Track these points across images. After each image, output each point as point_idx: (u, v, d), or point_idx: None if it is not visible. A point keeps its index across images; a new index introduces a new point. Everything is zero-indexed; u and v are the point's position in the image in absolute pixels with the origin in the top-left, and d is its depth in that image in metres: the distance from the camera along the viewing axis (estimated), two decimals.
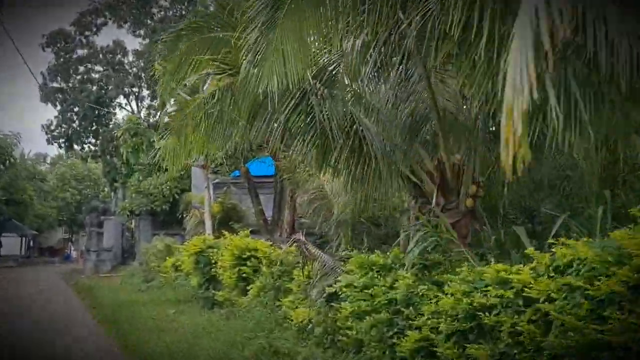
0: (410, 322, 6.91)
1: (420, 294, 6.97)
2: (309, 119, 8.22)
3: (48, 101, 37.30)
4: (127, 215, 31.50)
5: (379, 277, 7.54)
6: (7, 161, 41.37)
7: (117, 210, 33.45)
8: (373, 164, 8.54)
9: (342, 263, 8.85)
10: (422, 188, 9.00)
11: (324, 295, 8.50)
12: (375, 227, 14.87)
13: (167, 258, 19.11)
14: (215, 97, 7.71)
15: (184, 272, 16.51)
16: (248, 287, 12.00)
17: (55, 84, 37.77)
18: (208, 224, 18.40)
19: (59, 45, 37.09)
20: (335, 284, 8.35)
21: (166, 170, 28.15)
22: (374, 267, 7.68)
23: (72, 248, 63.52)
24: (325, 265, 8.67)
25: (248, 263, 12.14)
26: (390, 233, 14.84)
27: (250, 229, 14.90)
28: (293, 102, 8.06)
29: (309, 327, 9.09)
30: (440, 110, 8.30)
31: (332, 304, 8.47)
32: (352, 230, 14.26)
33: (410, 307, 6.97)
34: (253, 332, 9.97)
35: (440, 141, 8.68)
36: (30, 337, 11.82)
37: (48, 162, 64.15)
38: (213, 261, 14.04)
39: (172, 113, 8.67)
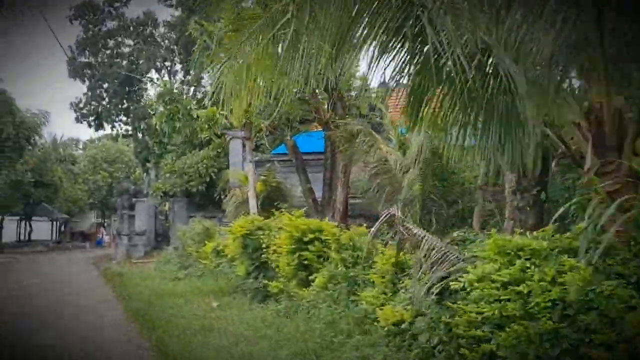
0: (592, 335, 4.62)
1: (606, 292, 4.67)
2: (416, 45, 5.93)
3: (77, 77, 35.60)
4: (161, 197, 29.71)
5: (531, 267, 5.22)
6: (33, 139, 40.07)
7: (149, 192, 31.72)
8: (502, 109, 6.23)
9: (458, 248, 6.58)
10: (566, 144, 6.64)
11: (435, 291, 6.23)
12: (447, 204, 12.79)
13: (207, 242, 17.08)
14: (290, 13, 5.45)
15: (227, 258, 14.44)
16: (311, 277, 9.81)
17: (83, 59, 36.06)
18: (252, 203, 16.26)
19: (87, 17, 35.32)
20: (451, 275, 6.09)
21: (207, 143, 26.45)
22: (521, 253, 5.37)
23: (104, 232, 62.58)
24: (434, 250, 6.39)
25: (311, 247, 9.95)
26: (462, 212, 12.74)
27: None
28: (394, 20, 5.79)
29: (406, 332, 6.83)
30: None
31: (444, 302, 6.21)
32: (422, 209, 12.15)
33: (592, 313, 4.68)
34: (326, 335, 7.77)
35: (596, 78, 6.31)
36: (45, 336, 9.86)
37: (80, 147, 63.12)
38: (264, 245, 11.90)
39: (228, 32, 6.42)
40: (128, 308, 12.66)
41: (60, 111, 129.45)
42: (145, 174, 35.29)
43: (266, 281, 11.45)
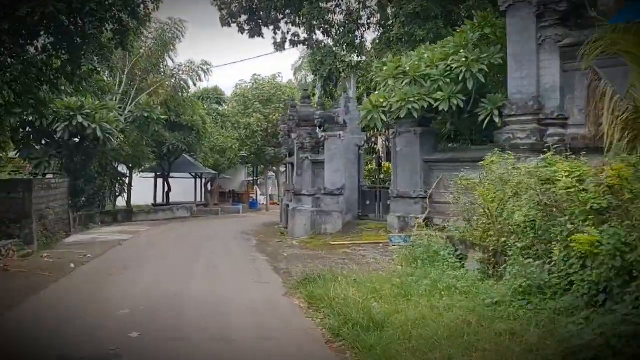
0: None
1: None
2: None
3: None
4: (374, 127, 16.98)
5: None
6: (165, 55, 29.45)
7: (349, 121, 19.21)
8: None
9: None
10: None
11: None
12: None
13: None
14: None
15: None
16: None
17: None
18: None
19: None
20: None
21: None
22: None
23: (259, 192, 52.49)
24: None
25: None
26: None
27: None
28: None
29: None
30: None
31: None
32: None
33: None
34: None
35: None
36: None
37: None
38: None
39: None
40: None
41: None
42: (343, 93, 22.69)
43: None
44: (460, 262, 10.20)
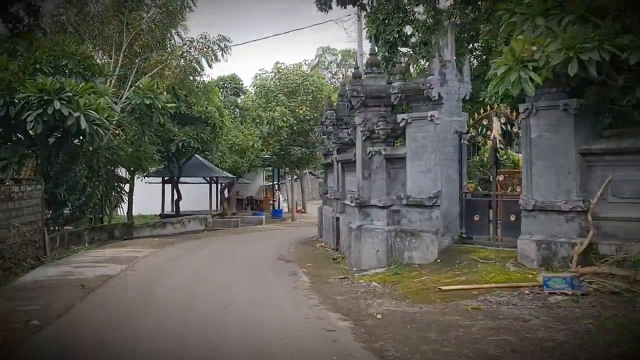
0: None
1: None
2: None
3: None
4: (512, 98, 10.57)
5: None
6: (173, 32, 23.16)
7: (454, 92, 12.81)
8: None
9: None
10: None
11: None
12: None
13: None
14: None
15: None
16: None
17: None
18: None
19: None
20: None
21: None
22: None
23: (281, 198, 46.12)
24: None
25: None
26: None
27: None
28: None
29: None
30: None
31: None
32: None
33: None
34: None
35: None
36: None
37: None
38: None
39: None
40: None
41: None
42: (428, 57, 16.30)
43: None
44: None
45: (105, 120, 18.57)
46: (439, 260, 12.64)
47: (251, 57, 77.34)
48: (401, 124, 13.64)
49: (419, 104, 13.38)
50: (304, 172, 46.80)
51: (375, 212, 14.17)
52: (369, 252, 13.92)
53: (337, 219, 18.65)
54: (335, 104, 19.94)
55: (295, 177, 44.97)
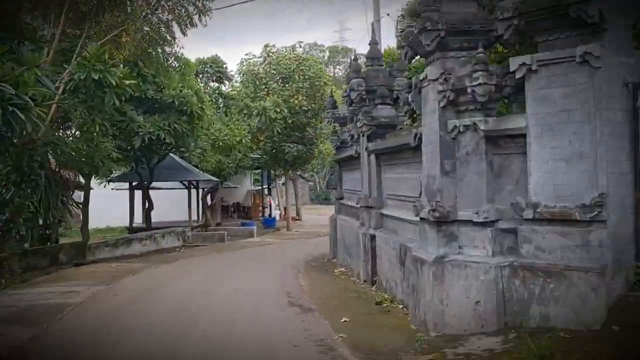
0: None
1: None
2: None
3: None
4: None
5: None
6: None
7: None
8: None
9: None
10: None
11: None
12: None
13: None
14: None
15: None
16: None
17: None
18: None
19: None
20: None
21: None
22: None
23: (273, 205, 39.81)
24: None
25: None
26: None
27: None
28: None
29: None
30: None
31: None
32: None
33: None
34: None
35: None
36: None
37: None
38: None
39: None
40: None
41: None
42: None
43: None
44: None
45: (30, 101, 12.25)
46: (613, 327, 6.56)
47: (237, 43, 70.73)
48: (517, 75, 7.54)
49: (555, 35, 7.27)
50: (297, 174, 40.62)
51: (467, 232, 8.06)
52: (459, 303, 7.81)
53: (373, 237, 12.53)
54: (363, 71, 13.78)
55: (283, 180, 38.86)
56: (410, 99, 9.32)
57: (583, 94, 7.05)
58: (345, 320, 9.29)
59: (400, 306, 10.11)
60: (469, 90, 7.84)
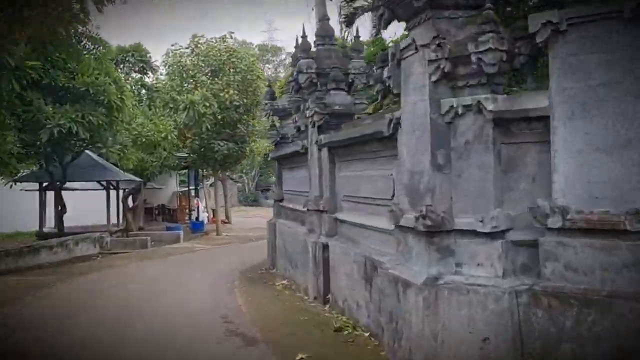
0: None
1: None
2: None
3: None
4: None
5: None
6: None
7: None
8: None
9: None
10: None
11: None
12: None
13: None
14: None
15: None
16: None
17: None
18: None
19: None
20: None
21: None
22: None
23: (201, 207, 37.08)
24: None
25: None
26: None
27: None
28: None
29: None
30: None
31: None
32: None
33: None
34: None
35: None
36: None
37: None
38: None
39: None
40: None
41: None
42: None
43: None
44: None
45: None
46: None
47: (161, 42, 67.22)
48: (537, 39, 5.68)
49: None
50: (227, 174, 38.17)
51: (468, 245, 6.13)
52: (460, 338, 5.87)
53: (326, 246, 10.49)
54: (313, 50, 11.70)
55: (211, 181, 36.28)
56: (385, 75, 7.28)
57: (631, 62, 5.25)
58: (302, 358, 7.18)
59: (367, 334, 8.12)
60: (472, 58, 5.91)
